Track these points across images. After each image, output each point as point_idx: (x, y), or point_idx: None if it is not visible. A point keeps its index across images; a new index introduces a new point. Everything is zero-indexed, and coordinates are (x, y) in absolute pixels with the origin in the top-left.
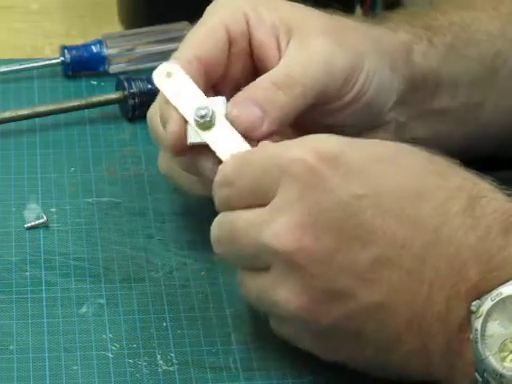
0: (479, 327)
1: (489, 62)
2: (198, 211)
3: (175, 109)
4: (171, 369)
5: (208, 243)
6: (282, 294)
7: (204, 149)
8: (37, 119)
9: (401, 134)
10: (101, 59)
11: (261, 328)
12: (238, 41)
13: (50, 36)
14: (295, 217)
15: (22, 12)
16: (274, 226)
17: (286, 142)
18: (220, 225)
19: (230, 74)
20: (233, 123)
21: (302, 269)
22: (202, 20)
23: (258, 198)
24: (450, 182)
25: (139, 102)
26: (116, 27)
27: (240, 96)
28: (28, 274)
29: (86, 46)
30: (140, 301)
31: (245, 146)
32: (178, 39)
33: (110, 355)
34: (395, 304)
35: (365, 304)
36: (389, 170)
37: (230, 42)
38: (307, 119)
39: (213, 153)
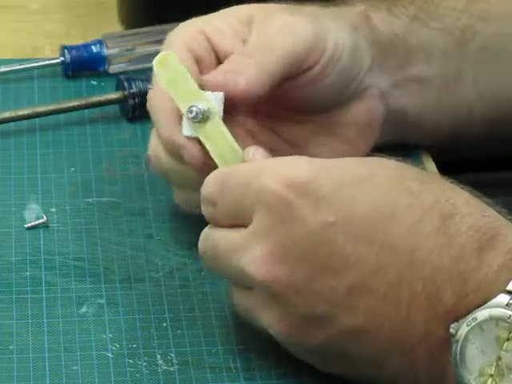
0: (458, 351)
1: (457, 34)
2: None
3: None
4: (171, 369)
5: None
6: (265, 317)
7: None
8: (37, 119)
9: (387, 103)
10: (101, 59)
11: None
12: (205, 57)
13: (50, 36)
14: (268, 248)
15: (21, 12)
16: (251, 254)
17: (262, 163)
18: (205, 240)
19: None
20: (207, 87)
21: (280, 297)
22: (164, 46)
23: (239, 219)
24: (422, 201)
25: (139, 102)
26: (116, 27)
27: (233, 65)
28: (28, 274)
29: (86, 46)
30: (140, 301)
31: (235, 146)
32: None
33: (110, 355)
34: (375, 327)
35: (345, 328)
36: (359, 195)
37: (197, 61)
38: (285, 96)
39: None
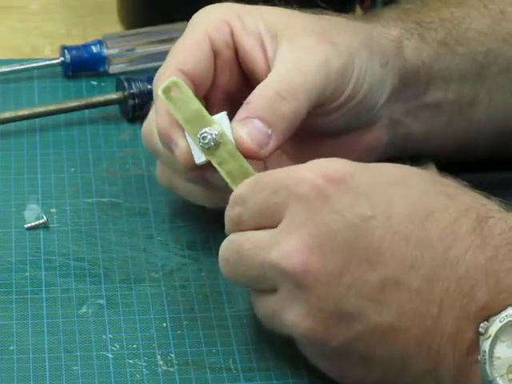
0: (487, 349)
1: (480, 58)
2: (198, 211)
3: (180, 129)
4: (171, 369)
5: (208, 243)
6: (290, 316)
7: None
8: (37, 119)
9: (395, 131)
10: (101, 59)
11: (261, 328)
12: (223, 51)
13: (50, 36)
14: (303, 238)
15: (21, 12)
16: (282, 247)
17: (297, 165)
18: (229, 245)
19: (218, 84)
20: (240, 146)
21: (309, 290)
22: (185, 33)
23: (268, 219)
24: (458, 203)
25: (139, 102)
26: (116, 27)
27: (244, 111)
28: (28, 274)
29: (86, 47)
30: (140, 301)
31: (249, 169)
32: (178, 39)
33: (110, 355)
34: (405, 325)
35: (373, 326)
36: (397, 192)
37: (215, 54)
38: (303, 123)
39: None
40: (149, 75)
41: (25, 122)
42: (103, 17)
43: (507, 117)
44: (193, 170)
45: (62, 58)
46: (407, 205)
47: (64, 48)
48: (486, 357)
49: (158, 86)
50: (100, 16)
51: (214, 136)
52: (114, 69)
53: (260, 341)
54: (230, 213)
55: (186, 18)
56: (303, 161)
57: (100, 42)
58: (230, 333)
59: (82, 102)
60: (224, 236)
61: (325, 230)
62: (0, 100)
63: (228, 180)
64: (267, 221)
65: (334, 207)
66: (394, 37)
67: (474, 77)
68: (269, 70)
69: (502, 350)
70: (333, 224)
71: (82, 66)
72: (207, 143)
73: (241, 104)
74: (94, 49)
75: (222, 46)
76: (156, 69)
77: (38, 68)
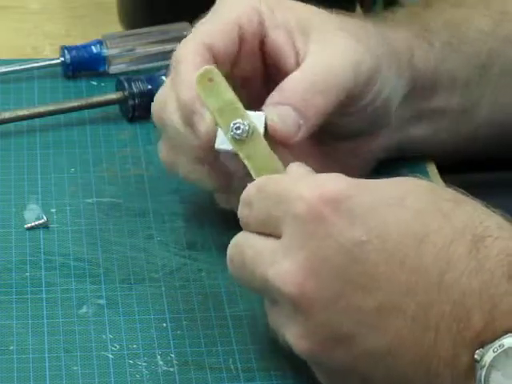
0: (482, 378)
1: (483, 59)
2: (198, 212)
3: (207, 110)
4: (171, 369)
5: (208, 243)
6: (290, 333)
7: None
8: (37, 120)
9: (400, 134)
10: (101, 60)
11: (261, 329)
12: (249, 40)
13: (50, 36)
14: (299, 261)
15: (21, 12)
16: (280, 267)
17: (299, 177)
18: (235, 245)
19: (237, 72)
20: (271, 127)
21: (306, 313)
22: (215, 10)
23: (270, 228)
24: (453, 223)
25: (139, 102)
26: (116, 27)
27: (278, 97)
28: (28, 274)
29: (86, 47)
30: (140, 301)
31: (278, 165)
32: (178, 39)
33: (110, 356)
34: (402, 349)
35: (370, 349)
36: (393, 214)
37: (241, 41)
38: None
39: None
40: (149, 75)
41: (25, 122)
42: (103, 17)
43: (508, 118)
44: (207, 150)
45: (62, 58)
46: (402, 228)
47: (64, 48)
48: None
49: (181, 54)
50: (100, 16)
51: (247, 128)
52: (114, 69)
53: (260, 341)
54: (240, 212)
55: (186, 18)
56: (315, 162)
57: (100, 42)
58: (230, 333)
59: (82, 102)
60: (224, 236)
61: (320, 255)
62: (0, 100)
63: (252, 173)
64: (270, 230)
65: (329, 231)
66: (407, 45)
67: (477, 79)
68: (297, 64)
69: (497, 380)
70: (327, 249)
71: (82, 66)
72: (239, 134)
73: (255, 90)
74: (94, 49)
75: (249, 35)
76: (156, 69)
77: (38, 68)
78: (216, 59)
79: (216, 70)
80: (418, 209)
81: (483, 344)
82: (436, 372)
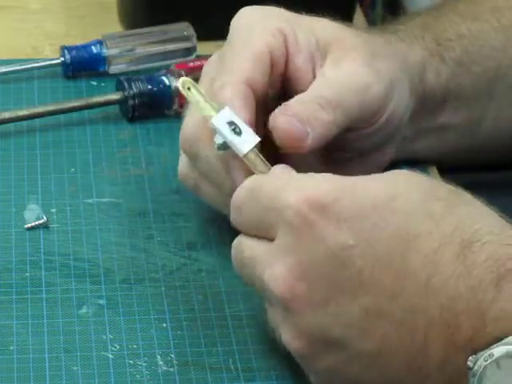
0: None
1: (491, 74)
2: (198, 212)
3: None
4: (171, 369)
5: (208, 243)
6: (284, 333)
7: None
8: (37, 119)
9: (403, 149)
10: (101, 60)
11: (261, 328)
12: (279, 65)
13: (50, 36)
14: (289, 265)
15: (21, 12)
16: (273, 270)
17: (287, 180)
18: (235, 246)
19: (265, 98)
20: (279, 134)
21: (297, 315)
22: (241, 37)
23: (262, 232)
24: (442, 227)
25: (139, 102)
26: (116, 27)
27: (280, 110)
28: (28, 274)
29: (86, 47)
30: (140, 301)
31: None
32: (178, 39)
33: (110, 356)
34: (392, 352)
35: (361, 352)
36: (380, 217)
37: (272, 65)
38: (334, 144)
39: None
40: (149, 75)
41: (25, 122)
42: (103, 17)
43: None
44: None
45: (62, 58)
46: (388, 232)
47: (64, 48)
48: None
49: (226, 99)
50: (100, 16)
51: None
52: (114, 69)
53: (260, 341)
54: (232, 218)
55: (186, 18)
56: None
57: (100, 42)
58: (230, 333)
59: (82, 102)
60: (224, 236)
61: (309, 260)
62: (0, 100)
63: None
64: (262, 234)
65: (317, 236)
66: (420, 61)
67: (484, 95)
68: None
69: None
70: (316, 254)
71: (82, 66)
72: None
73: (268, 113)
74: (94, 49)
75: (279, 59)
76: (156, 69)
77: (38, 68)
78: (255, 92)
79: (190, 81)
80: (405, 212)
81: (475, 350)
82: (428, 375)
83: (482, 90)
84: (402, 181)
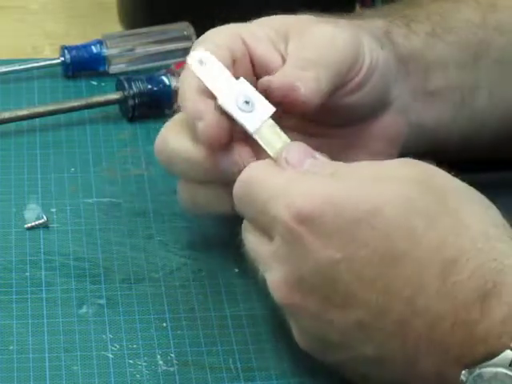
0: None
1: (473, 47)
2: None
3: (209, 97)
4: (171, 369)
5: (208, 243)
6: (293, 329)
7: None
8: (37, 119)
9: (408, 117)
10: (101, 59)
11: (261, 328)
12: (241, 60)
13: (50, 36)
14: (284, 274)
15: (21, 12)
16: (271, 276)
17: (280, 187)
18: (242, 236)
19: None
20: (270, 86)
21: (297, 319)
22: (201, 42)
23: (261, 229)
24: (424, 246)
25: (139, 102)
26: (116, 27)
27: (265, 82)
28: (28, 274)
29: (86, 47)
30: (140, 301)
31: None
32: (178, 39)
33: (110, 355)
34: (390, 356)
35: (361, 354)
36: (361, 235)
37: (233, 62)
38: (328, 104)
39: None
40: (149, 75)
41: (25, 122)
42: (103, 17)
43: (510, 110)
44: (221, 143)
45: (62, 58)
46: (370, 250)
47: (64, 48)
48: None
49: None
50: (100, 16)
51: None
52: (113, 69)
53: (260, 341)
54: (236, 208)
55: (186, 18)
56: (330, 151)
57: (100, 42)
58: (230, 333)
59: (82, 102)
60: (224, 236)
61: (301, 271)
62: (0, 100)
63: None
64: (262, 230)
65: (307, 249)
66: (382, 26)
67: (470, 65)
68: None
69: None
70: (306, 266)
71: (82, 66)
72: (243, 108)
73: None
74: (94, 49)
75: (238, 55)
76: (156, 69)
77: (38, 68)
78: None
79: (210, 54)
80: (386, 230)
81: (467, 366)
82: (425, 378)
83: (467, 58)
84: (388, 191)
